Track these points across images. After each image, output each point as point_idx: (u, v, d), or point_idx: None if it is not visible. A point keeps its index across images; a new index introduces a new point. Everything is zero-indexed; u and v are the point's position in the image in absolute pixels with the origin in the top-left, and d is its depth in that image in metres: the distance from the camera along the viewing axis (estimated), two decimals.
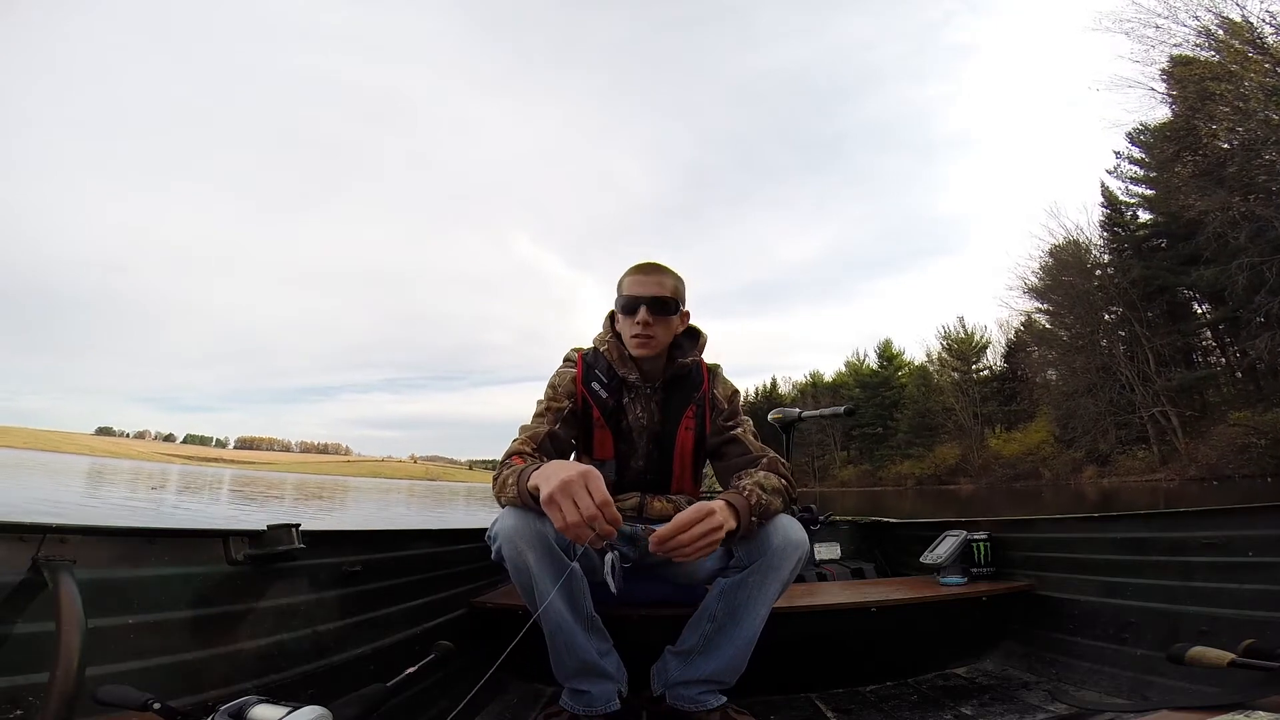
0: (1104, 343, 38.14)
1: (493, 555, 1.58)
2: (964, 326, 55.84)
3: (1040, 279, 42.18)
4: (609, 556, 1.45)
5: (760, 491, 1.55)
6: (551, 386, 1.88)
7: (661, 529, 1.37)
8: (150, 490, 23.87)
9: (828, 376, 72.24)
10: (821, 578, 2.85)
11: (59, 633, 0.85)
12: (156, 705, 0.87)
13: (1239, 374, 33.06)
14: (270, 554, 1.33)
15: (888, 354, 65.87)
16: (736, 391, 1.98)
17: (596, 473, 1.27)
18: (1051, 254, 41.33)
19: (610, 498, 1.25)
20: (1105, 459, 36.46)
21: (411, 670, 1.34)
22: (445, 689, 1.67)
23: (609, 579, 1.47)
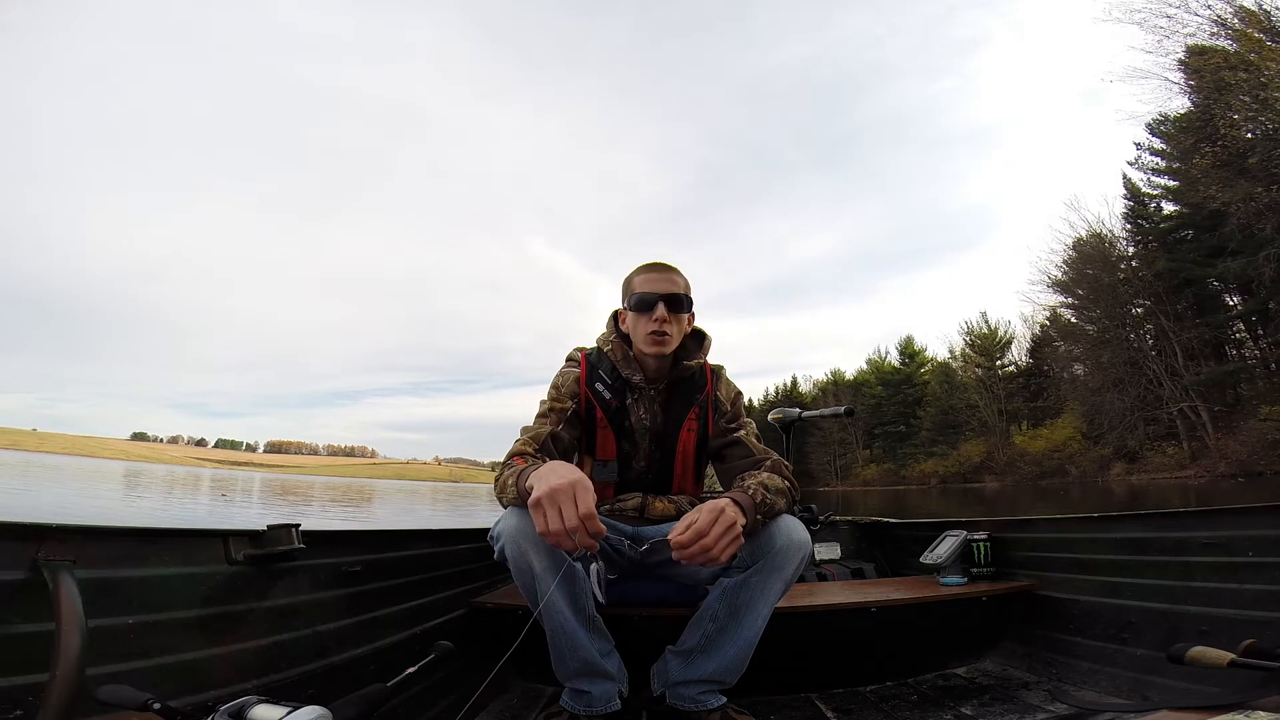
0: (1131, 336, 37.40)
1: (495, 555, 1.60)
2: (987, 322, 55.08)
3: (1064, 273, 41.48)
4: (594, 567, 1.46)
5: (764, 491, 1.55)
6: (555, 387, 1.89)
7: (678, 537, 1.36)
8: (221, 497, 24.86)
9: (849, 374, 71.63)
10: (822, 578, 2.84)
11: (59, 633, 0.85)
12: (156, 705, 0.86)
13: (1272, 366, 32.21)
14: (270, 554, 1.33)
15: (909, 351, 65.14)
16: (739, 393, 1.99)
17: (586, 484, 1.28)
18: (1075, 247, 40.63)
19: (595, 511, 1.26)
20: (1134, 455, 35.71)
21: (411, 670, 1.33)
22: (445, 689, 1.68)
23: (595, 589, 1.49)
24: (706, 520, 1.37)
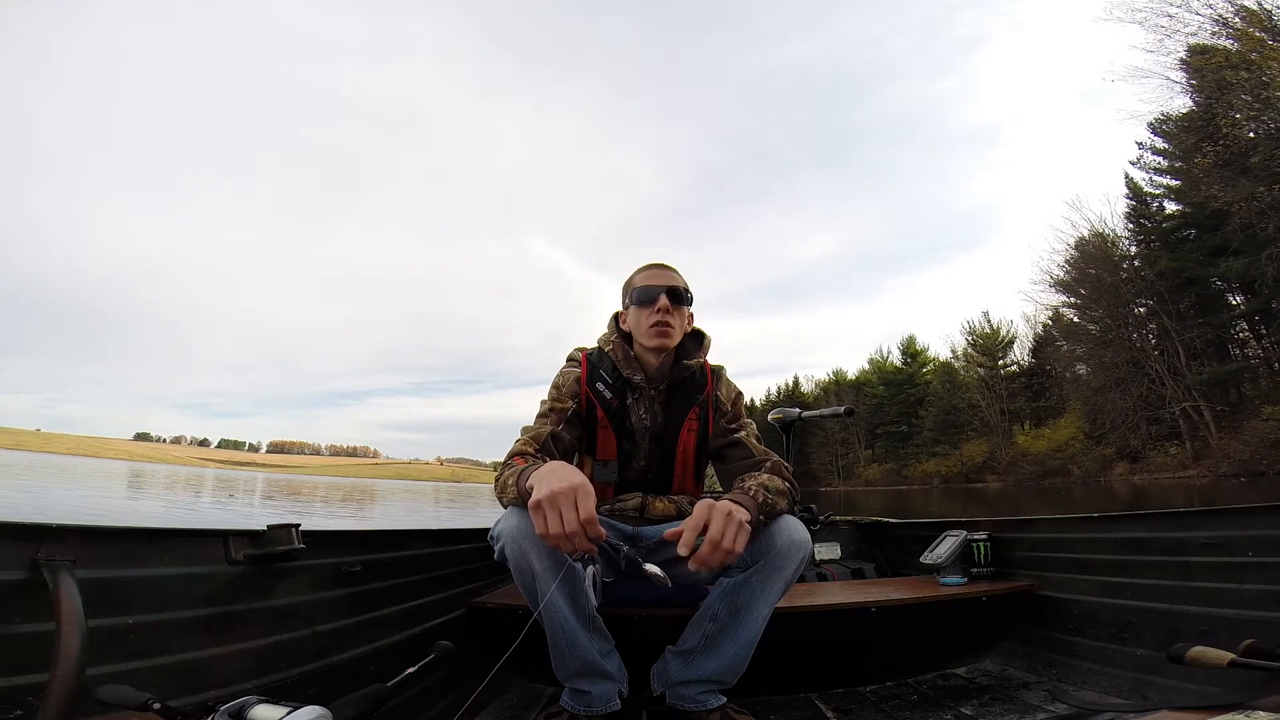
0: (1134, 336, 37.33)
1: (495, 555, 1.60)
2: (989, 321, 55.01)
3: (1066, 272, 41.49)
4: (590, 570, 1.46)
5: (765, 491, 1.55)
6: (555, 387, 1.89)
7: (681, 537, 1.35)
8: (228, 496, 25.28)
9: (851, 374, 71.54)
10: (822, 578, 2.84)
11: (59, 633, 0.85)
12: (156, 705, 0.86)
13: (1275, 366, 32.14)
14: (270, 554, 1.33)
15: (911, 350, 65.07)
16: (740, 394, 1.99)
17: (588, 488, 1.28)
18: (1077, 247, 40.62)
19: (595, 515, 1.26)
20: (1136, 455, 35.68)
21: (411, 670, 1.32)
22: (445, 689, 1.68)
23: (591, 591, 1.49)
24: (699, 517, 1.37)
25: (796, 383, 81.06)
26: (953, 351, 58.15)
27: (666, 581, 1.35)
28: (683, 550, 1.35)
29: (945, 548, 2.37)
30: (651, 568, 1.36)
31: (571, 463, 1.76)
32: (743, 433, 1.89)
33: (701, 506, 1.40)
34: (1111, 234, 39.19)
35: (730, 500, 1.47)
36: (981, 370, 53.54)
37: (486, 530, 1.75)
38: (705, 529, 1.36)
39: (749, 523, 1.44)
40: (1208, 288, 34.60)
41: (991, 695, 1.92)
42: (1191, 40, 28.37)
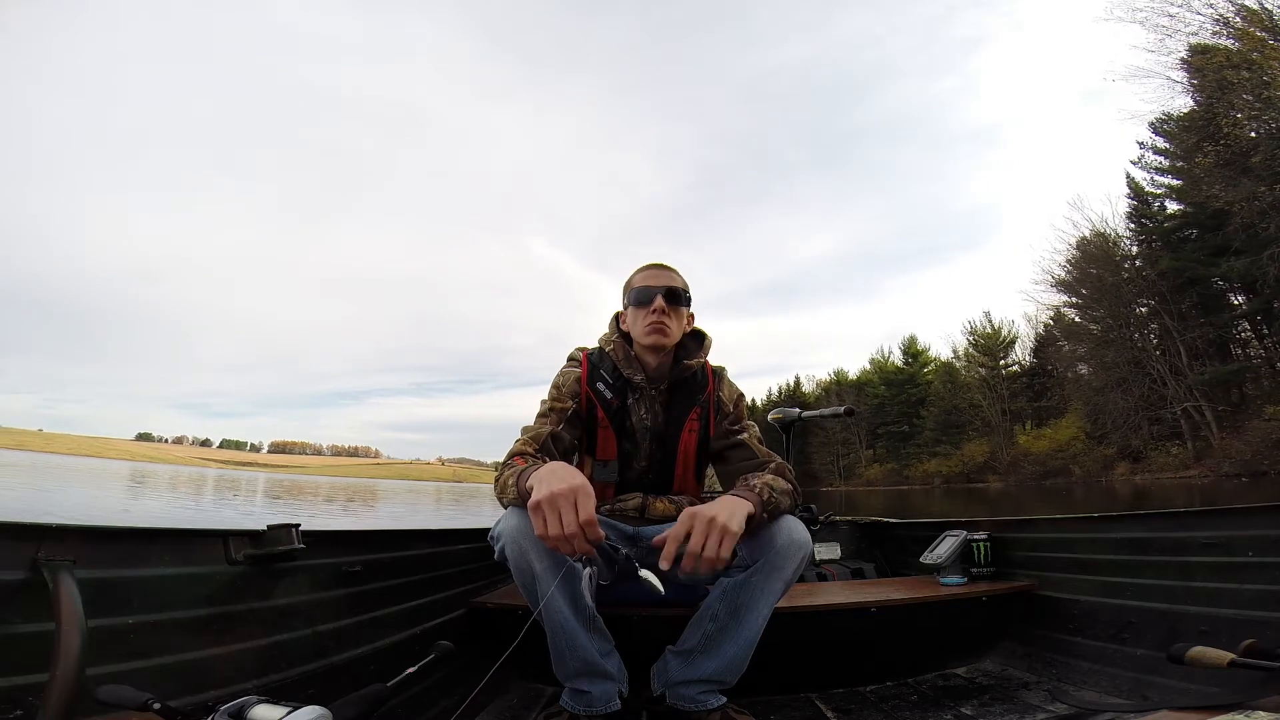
0: (1135, 336, 37.27)
1: (495, 555, 1.60)
2: (990, 321, 54.95)
3: (1067, 272, 41.40)
4: (586, 571, 1.46)
5: (771, 490, 1.55)
6: (555, 386, 1.89)
7: (666, 549, 1.32)
8: (233, 497, 25.35)
9: (852, 374, 71.47)
10: (822, 578, 2.84)
11: (59, 633, 0.86)
12: (156, 705, 0.86)
13: (1277, 366, 32.07)
14: (270, 554, 1.33)
15: (912, 350, 65.01)
16: (741, 395, 1.99)
17: (588, 490, 1.27)
18: (1078, 246, 40.54)
19: (595, 517, 1.25)
20: (1138, 455, 35.62)
21: (411, 670, 1.32)
22: (445, 689, 1.68)
23: (585, 592, 1.49)
24: (680, 529, 1.34)
25: (797, 383, 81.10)
26: (954, 351, 58.21)
27: (659, 590, 1.28)
28: (664, 564, 1.32)
29: (945, 548, 2.37)
30: (646, 574, 1.30)
31: (571, 463, 1.75)
32: (745, 434, 1.89)
33: (684, 516, 1.36)
34: (1113, 234, 39.19)
35: (732, 496, 1.47)
36: (983, 370, 53.46)
37: (486, 530, 1.75)
38: (689, 539, 1.33)
39: (751, 515, 1.43)
40: (1209, 287, 34.53)
41: (991, 695, 1.92)
42: (1192, 40, 28.43)
